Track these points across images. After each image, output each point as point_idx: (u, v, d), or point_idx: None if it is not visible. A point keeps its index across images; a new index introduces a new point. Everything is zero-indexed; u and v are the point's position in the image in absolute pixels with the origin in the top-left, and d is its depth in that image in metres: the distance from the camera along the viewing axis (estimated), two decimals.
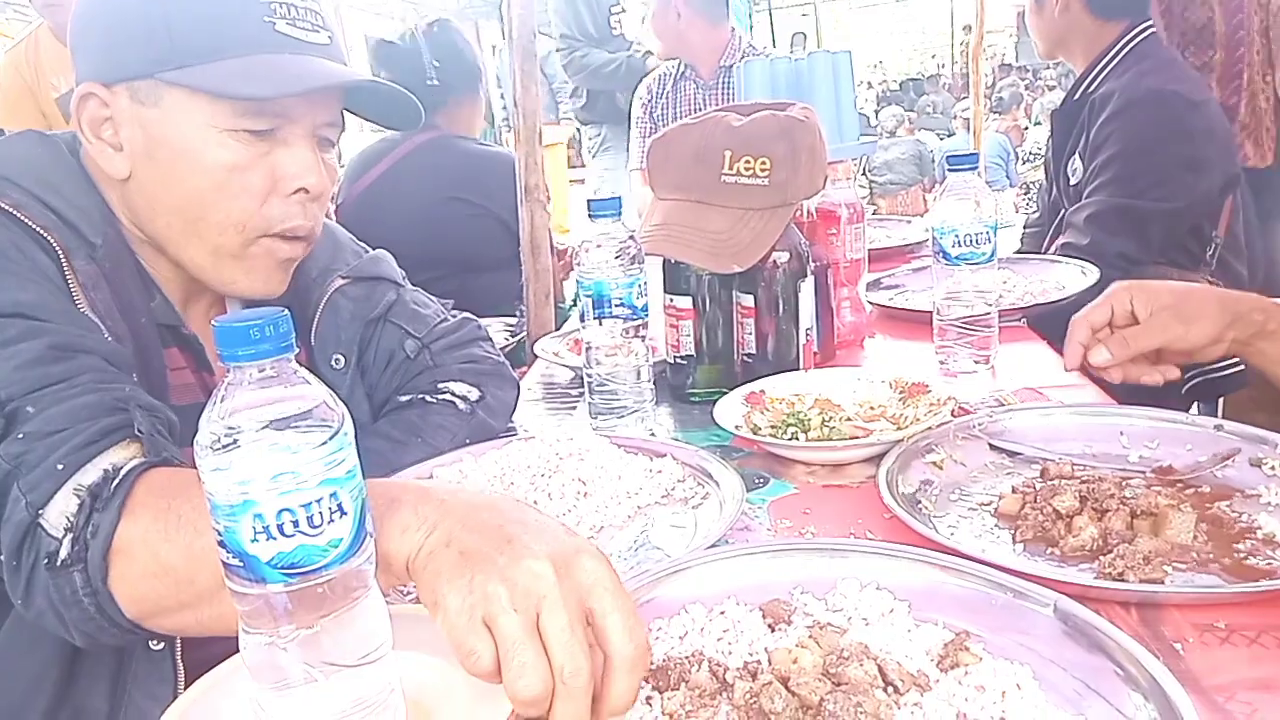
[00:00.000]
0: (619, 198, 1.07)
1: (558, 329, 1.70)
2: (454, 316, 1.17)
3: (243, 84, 0.83)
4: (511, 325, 1.97)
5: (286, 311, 0.52)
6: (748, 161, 1.15)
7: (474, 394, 1.09)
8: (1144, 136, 1.68)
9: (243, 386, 0.51)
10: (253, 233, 0.88)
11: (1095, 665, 0.58)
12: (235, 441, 0.50)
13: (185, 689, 0.62)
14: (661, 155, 1.22)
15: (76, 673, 0.82)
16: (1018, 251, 1.99)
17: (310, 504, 0.51)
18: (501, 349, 1.73)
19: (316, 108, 0.89)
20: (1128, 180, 1.69)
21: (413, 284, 1.18)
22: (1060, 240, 1.77)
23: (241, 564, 0.51)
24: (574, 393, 1.36)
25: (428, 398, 1.08)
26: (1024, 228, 2.15)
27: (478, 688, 0.61)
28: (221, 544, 0.51)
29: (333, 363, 1.04)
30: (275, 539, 0.50)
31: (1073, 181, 1.86)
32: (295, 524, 0.51)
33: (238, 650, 0.59)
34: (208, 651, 0.69)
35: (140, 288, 0.89)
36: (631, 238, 1.06)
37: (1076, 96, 1.84)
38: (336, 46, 0.90)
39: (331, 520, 0.52)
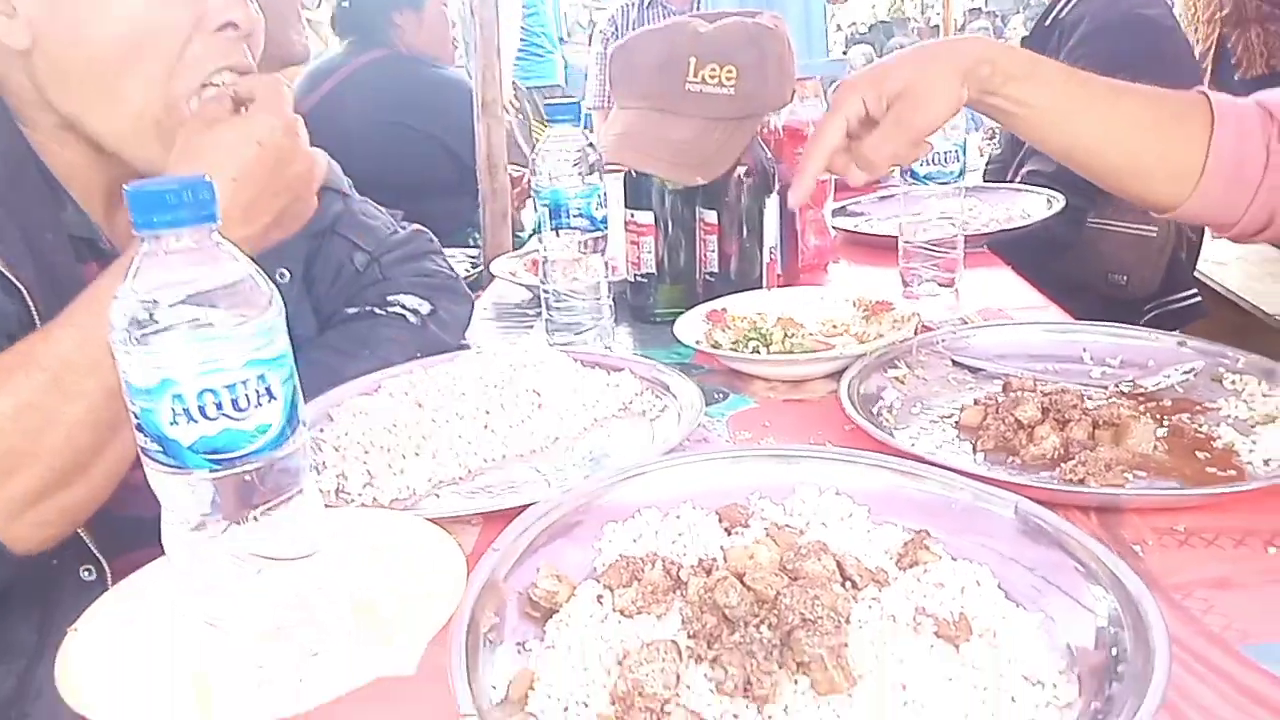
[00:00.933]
0: (577, 102, 1.03)
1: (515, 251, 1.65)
2: (404, 229, 1.12)
3: None
4: (473, 256, 1.91)
5: (207, 176, 0.48)
6: (713, 69, 1.11)
7: (425, 307, 1.05)
8: (1114, 61, 1.64)
9: (159, 258, 0.47)
10: (181, 88, 0.79)
11: (1055, 561, 0.57)
12: (151, 318, 0.46)
13: None
14: (624, 62, 1.17)
15: (2, 608, 0.77)
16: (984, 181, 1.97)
17: (235, 385, 0.47)
18: (464, 278, 1.68)
19: None
20: None
21: None
22: (1026, 168, 1.75)
23: (161, 448, 0.47)
24: (530, 313, 1.32)
25: (376, 310, 1.03)
26: (986, 164, 2.13)
27: (424, 586, 0.59)
28: (139, 428, 0.48)
29: (277, 276, 0.99)
30: (197, 422, 0.47)
31: None
32: (219, 406, 0.47)
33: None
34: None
35: (45, 198, 0.80)
36: (591, 145, 1.02)
37: (1047, 22, 1.81)
38: None
39: (259, 404, 0.48)
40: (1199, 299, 1.78)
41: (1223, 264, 2.17)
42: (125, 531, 0.72)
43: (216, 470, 0.48)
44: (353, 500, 0.75)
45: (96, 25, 0.76)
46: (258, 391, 0.48)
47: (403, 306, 1.04)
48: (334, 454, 0.82)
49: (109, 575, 0.79)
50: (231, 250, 0.49)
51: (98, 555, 0.79)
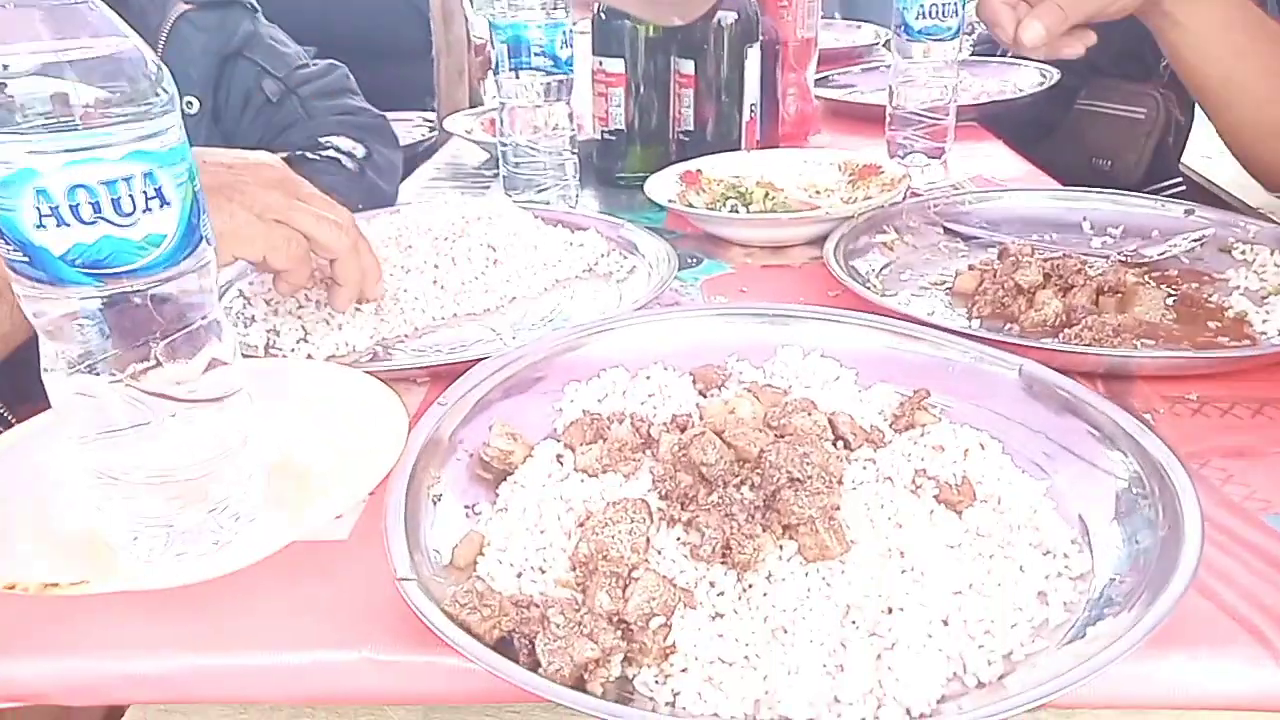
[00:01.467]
0: None
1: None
2: (316, 63, 1.02)
3: None
4: (431, 120, 1.78)
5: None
6: None
7: (360, 150, 0.96)
8: None
9: (9, 12, 0.37)
10: None
11: (1066, 426, 0.51)
12: (4, 89, 0.37)
13: None
14: None
15: None
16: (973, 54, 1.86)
17: (115, 183, 0.38)
18: (420, 144, 1.56)
19: None
20: None
21: None
22: None
23: (27, 259, 0.39)
24: (487, 174, 1.22)
25: (309, 154, 0.94)
26: (974, 38, 2.01)
27: (361, 443, 0.52)
28: (0, 234, 0.39)
29: (184, 106, 0.88)
30: (69, 225, 0.38)
31: None
32: (95, 207, 0.38)
33: None
34: None
35: None
36: None
37: None
38: None
39: (147, 209, 0.40)
40: (1184, 188, 1.72)
41: (1208, 157, 2.10)
42: (30, 382, 0.64)
43: (99, 286, 0.40)
44: (289, 355, 0.67)
45: None
46: (145, 193, 0.39)
47: (337, 149, 0.95)
48: (265, 307, 0.73)
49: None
50: (118, 23, 0.40)
51: (4, 414, 0.71)
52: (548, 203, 0.97)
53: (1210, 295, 0.73)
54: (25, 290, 0.40)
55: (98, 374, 0.42)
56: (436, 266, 0.77)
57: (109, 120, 0.38)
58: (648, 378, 0.59)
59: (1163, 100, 1.55)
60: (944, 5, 1.09)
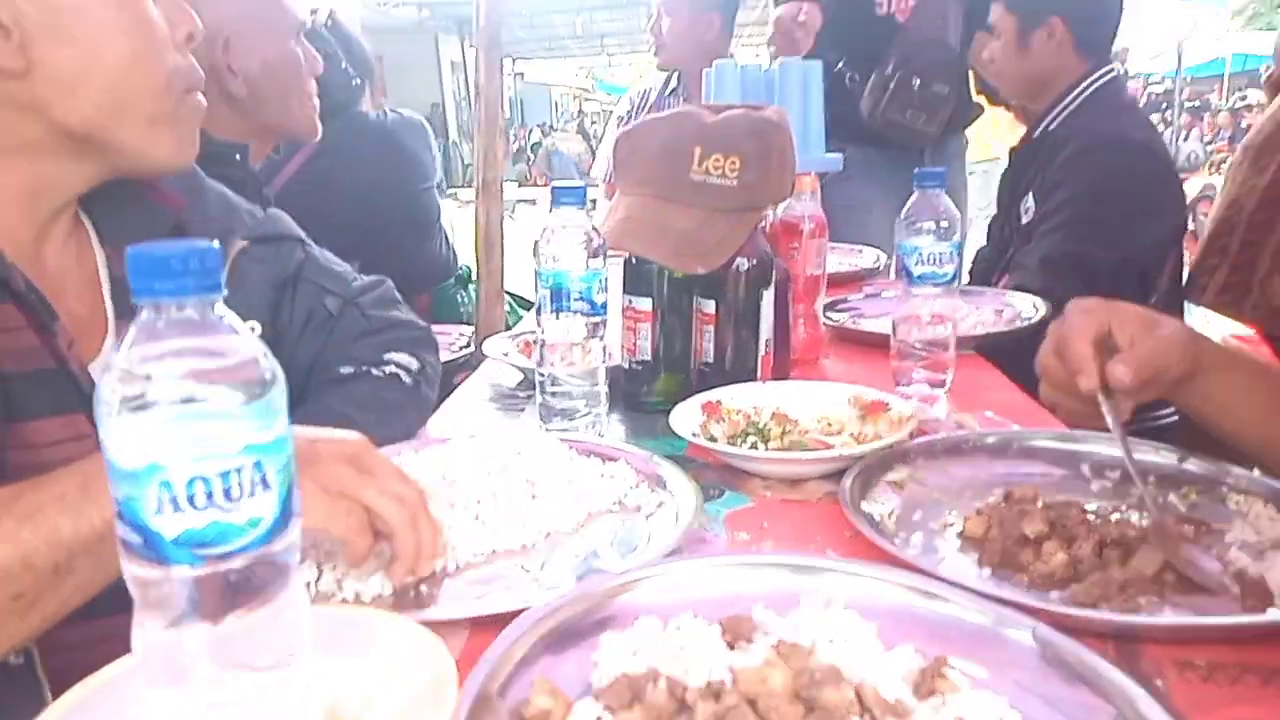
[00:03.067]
0: (584, 186, 1.02)
1: (508, 329, 1.63)
2: (366, 277, 1.12)
3: None
4: (467, 334, 1.89)
5: (216, 244, 0.45)
6: (717, 160, 1.11)
7: (414, 364, 1.05)
8: (1100, 182, 1.69)
9: (156, 330, 0.44)
10: (179, 88, 0.84)
11: (1081, 700, 0.54)
12: (143, 394, 0.43)
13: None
14: (628, 149, 1.17)
15: None
16: (969, 283, 1.99)
17: (229, 473, 0.44)
18: (458, 359, 1.66)
19: None
20: (1083, 224, 1.69)
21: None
22: (1012, 281, 1.77)
23: (142, 541, 0.44)
24: (522, 395, 1.29)
25: (374, 370, 1.02)
26: (973, 261, 2.16)
27: (408, 698, 0.55)
28: (120, 516, 0.44)
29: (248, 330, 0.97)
30: (184, 511, 0.43)
31: (1023, 220, 1.87)
32: (209, 495, 0.44)
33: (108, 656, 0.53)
34: (71, 659, 0.60)
35: None
36: (595, 230, 1.01)
37: (1035, 135, 1.85)
38: None
39: (252, 494, 0.45)
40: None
41: None
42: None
43: (199, 566, 0.44)
44: (333, 597, 0.71)
45: (110, 44, 0.79)
46: (252, 480, 0.45)
47: (397, 365, 1.04)
48: (311, 550, 0.77)
49: (37, 659, 0.73)
50: (234, 323, 0.47)
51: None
52: (579, 430, 1.03)
53: (1210, 548, 0.77)
54: (131, 565, 0.45)
55: (180, 634, 0.46)
56: (479, 502, 0.81)
57: (232, 418, 0.44)
58: (678, 628, 0.62)
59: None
60: (941, 254, 1.20)
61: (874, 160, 2.31)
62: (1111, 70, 1.80)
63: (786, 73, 1.56)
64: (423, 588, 0.73)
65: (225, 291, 0.45)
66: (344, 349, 1.05)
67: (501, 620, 0.60)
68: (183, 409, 0.43)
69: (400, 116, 2.16)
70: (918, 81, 2.18)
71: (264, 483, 0.45)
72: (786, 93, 1.54)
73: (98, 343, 0.87)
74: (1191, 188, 5.31)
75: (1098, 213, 1.69)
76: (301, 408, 1.01)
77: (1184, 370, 0.87)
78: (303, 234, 1.10)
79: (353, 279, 1.12)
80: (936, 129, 2.24)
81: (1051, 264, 1.69)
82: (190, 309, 0.44)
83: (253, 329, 0.98)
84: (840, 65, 2.29)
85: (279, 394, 0.47)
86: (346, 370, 1.03)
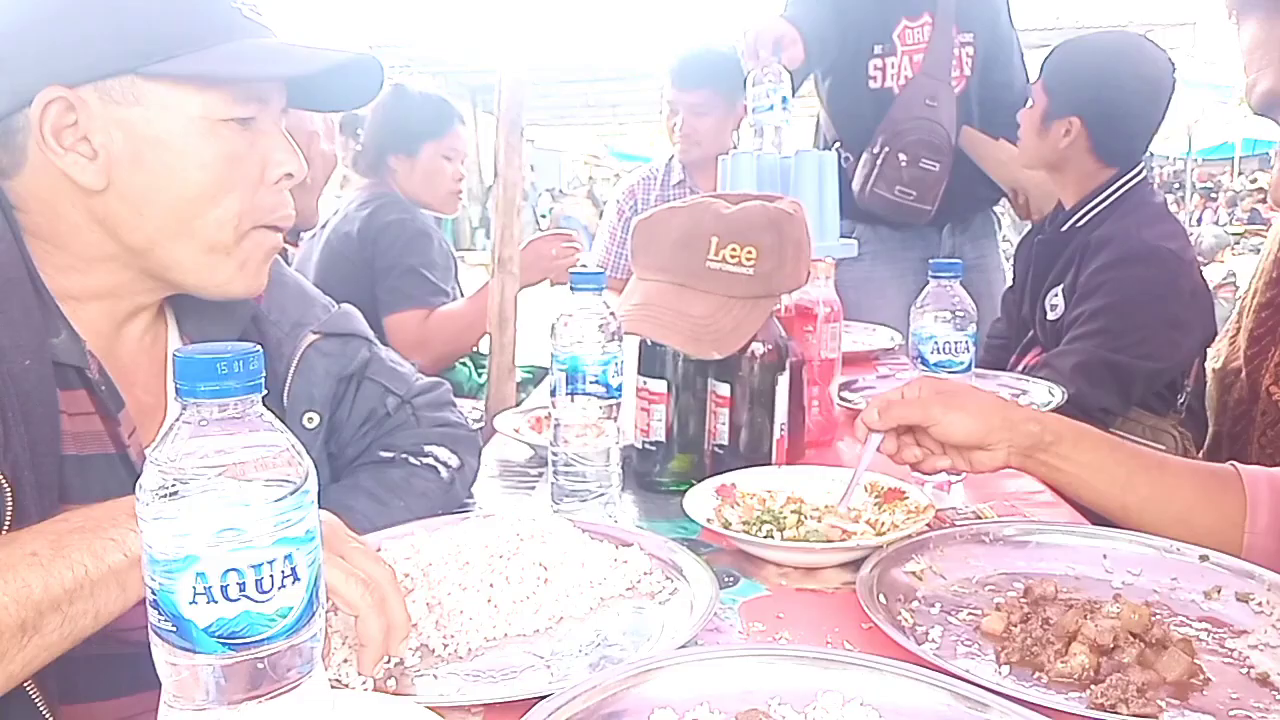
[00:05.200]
0: (603, 271, 1.04)
1: (518, 405, 1.64)
2: (427, 377, 1.14)
3: (243, 67, 0.81)
4: (480, 407, 1.91)
5: (258, 348, 0.47)
6: (734, 249, 1.14)
7: (454, 461, 1.06)
8: (1137, 292, 1.71)
9: (198, 426, 0.45)
10: (247, 224, 0.86)
11: None
12: (182, 488, 0.44)
13: None
14: (646, 236, 1.20)
15: None
16: (982, 364, 2.00)
17: (261, 565, 0.45)
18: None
19: (280, 93, 0.87)
20: (1117, 334, 1.71)
21: None
22: (1030, 361, 1.78)
23: (175, 629, 0.44)
24: (533, 472, 1.30)
25: (411, 459, 1.04)
26: (988, 335, 2.16)
27: None
28: (154, 605, 0.45)
29: (305, 421, 0.98)
30: (217, 602, 0.44)
31: (1051, 316, 1.87)
32: (241, 587, 0.44)
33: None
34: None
35: (35, 322, 0.78)
36: (612, 314, 1.03)
37: (1064, 229, 1.86)
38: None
39: (283, 586, 0.46)
40: None
41: None
42: (77, 674, 0.67)
43: (228, 656, 0.45)
44: (344, 681, 0.70)
45: (183, 174, 0.82)
46: (283, 572, 0.46)
47: (435, 459, 1.05)
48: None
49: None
50: (271, 419, 0.48)
51: (43, 711, 0.73)
52: (591, 511, 1.03)
53: (1232, 651, 0.76)
54: (164, 655, 0.45)
55: (209, 716, 0.47)
56: (491, 585, 0.81)
57: (266, 513, 0.45)
58: None
59: (1180, 438, 1.66)
60: (956, 343, 1.21)
61: (885, 238, 2.33)
62: (1141, 173, 1.82)
63: (802, 163, 1.60)
64: (434, 673, 0.73)
65: (265, 390, 0.46)
66: (387, 438, 1.07)
67: (513, 708, 0.60)
68: (220, 503, 0.44)
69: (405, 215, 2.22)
70: (904, 158, 2.18)
71: (294, 574, 0.46)
72: (802, 182, 1.58)
73: (156, 430, 0.89)
74: (1213, 274, 5.32)
75: (1134, 323, 1.70)
76: (334, 485, 1.02)
77: (974, 431, 0.98)
78: (370, 334, 1.12)
79: (414, 378, 1.14)
80: (931, 205, 2.23)
81: (1086, 370, 1.70)
82: (231, 408, 0.45)
83: (309, 420, 0.99)
84: (837, 144, 2.32)
85: (310, 489, 0.48)
86: (385, 455, 1.05)
